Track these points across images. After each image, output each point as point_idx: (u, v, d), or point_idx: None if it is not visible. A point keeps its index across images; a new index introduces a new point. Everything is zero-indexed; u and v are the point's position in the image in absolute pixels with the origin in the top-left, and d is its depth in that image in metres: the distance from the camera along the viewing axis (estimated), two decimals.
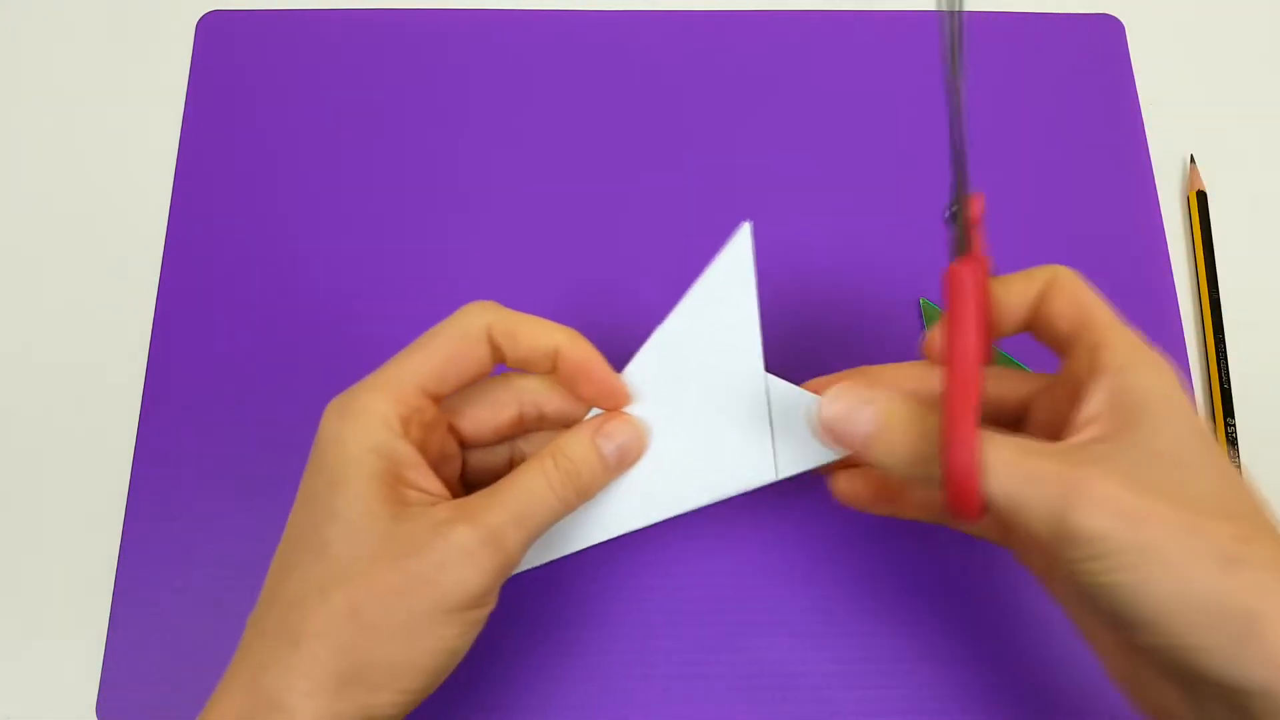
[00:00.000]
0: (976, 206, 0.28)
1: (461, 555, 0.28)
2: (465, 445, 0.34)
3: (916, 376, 0.33)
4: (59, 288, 0.45)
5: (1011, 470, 0.26)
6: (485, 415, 0.33)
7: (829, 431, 0.30)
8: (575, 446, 0.31)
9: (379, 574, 0.28)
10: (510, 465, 0.35)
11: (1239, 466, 0.42)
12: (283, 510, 0.42)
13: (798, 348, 0.43)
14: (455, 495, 0.33)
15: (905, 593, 0.40)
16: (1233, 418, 0.43)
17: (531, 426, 0.34)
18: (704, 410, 0.32)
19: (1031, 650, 0.39)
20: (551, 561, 0.32)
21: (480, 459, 0.34)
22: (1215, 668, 0.25)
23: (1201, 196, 0.46)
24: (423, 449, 0.31)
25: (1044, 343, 0.31)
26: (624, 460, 0.32)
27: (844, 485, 0.35)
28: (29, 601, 0.40)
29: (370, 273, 0.44)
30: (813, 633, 0.39)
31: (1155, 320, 0.44)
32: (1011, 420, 0.33)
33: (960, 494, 0.26)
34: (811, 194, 0.46)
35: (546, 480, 0.30)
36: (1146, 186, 0.47)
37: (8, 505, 0.42)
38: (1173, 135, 0.48)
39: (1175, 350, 0.44)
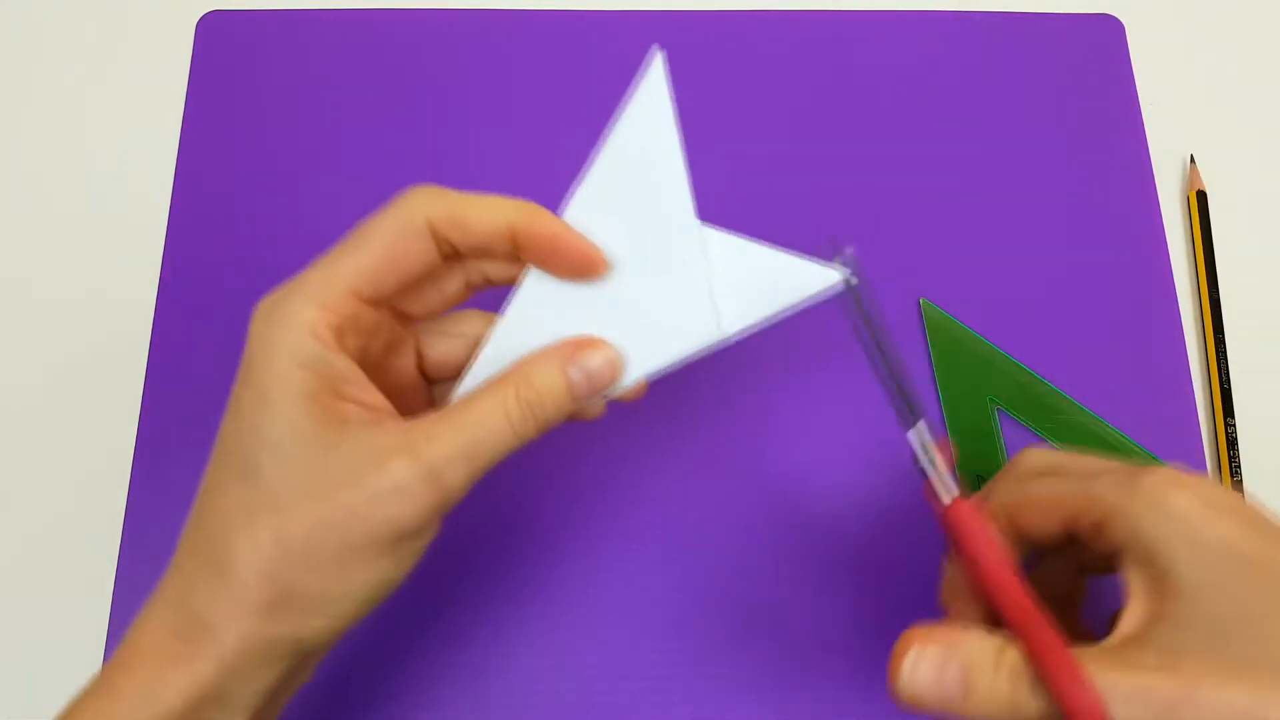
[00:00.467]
0: (947, 453, 0.29)
1: (395, 491, 0.26)
2: (414, 322, 0.32)
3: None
4: (59, 288, 0.45)
5: (1128, 697, 0.25)
6: (429, 296, 0.31)
7: (917, 704, 0.28)
8: (542, 376, 0.28)
9: (307, 505, 0.26)
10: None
11: (1238, 469, 0.42)
12: None
13: (797, 347, 0.43)
14: (411, 389, 0.32)
15: (907, 596, 0.40)
16: (1233, 418, 0.43)
17: (480, 288, 0.32)
18: (638, 270, 0.30)
19: None
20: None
21: (439, 348, 0.32)
22: None
23: (1201, 196, 0.46)
24: (363, 356, 0.29)
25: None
26: (593, 390, 0.29)
27: None
28: (29, 601, 0.40)
29: None
30: (812, 633, 0.39)
31: (1155, 320, 0.44)
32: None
33: None
34: (812, 192, 0.46)
35: (504, 412, 0.28)
36: (1146, 186, 0.47)
37: (8, 505, 0.42)
38: (1173, 135, 0.48)
39: (1175, 350, 0.44)
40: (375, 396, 0.28)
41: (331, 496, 0.26)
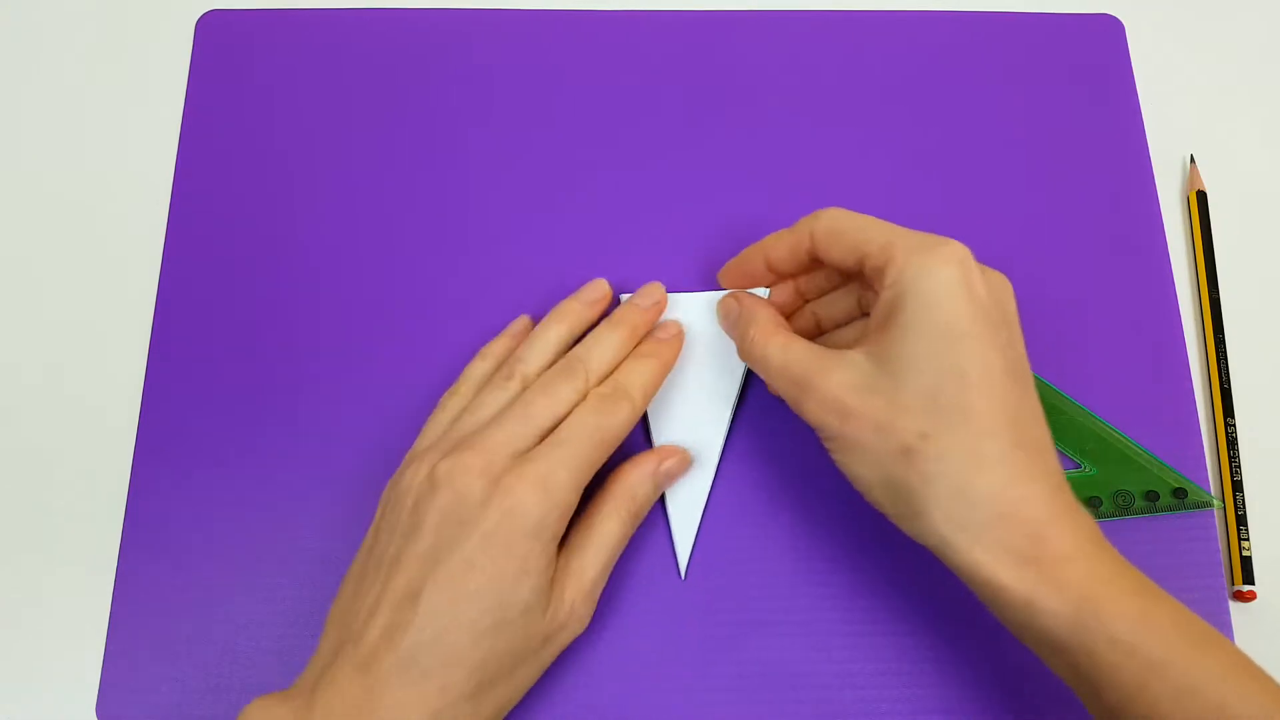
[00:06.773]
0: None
1: (576, 623, 0.35)
2: None
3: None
4: (59, 288, 0.45)
5: (777, 357, 0.35)
6: None
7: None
8: (641, 489, 0.37)
9: (521, 659, 0.34)
10: None
11: (1238, 469, 0.42)
12: (283, 511, 0.43)
13: None
14: None
15: (906, 594, 0.40)
16: (1233, 418, 0.43)
17: None
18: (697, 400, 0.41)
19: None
20: None
21: None
22: (903, 526, 0.34)
23: (1201, 196, 0.46)
24: None
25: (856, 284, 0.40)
26: (672, 482, 0.39)
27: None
28: (29, 601, 0.40)
29: (371, 273, 0.44)
30: (813, 633, 0.39)
31: (1155, 320, 0.44)
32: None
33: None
34: (814, 191, 0.46)
35: (620, 524, 0.36)
36: (1146, 186, 0.47)
37: (8, 505, 0.42)
38: (1173, 135, 0.48)
39: (1175, 350, 0.44)
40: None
41: (543, 651, 0.35)
